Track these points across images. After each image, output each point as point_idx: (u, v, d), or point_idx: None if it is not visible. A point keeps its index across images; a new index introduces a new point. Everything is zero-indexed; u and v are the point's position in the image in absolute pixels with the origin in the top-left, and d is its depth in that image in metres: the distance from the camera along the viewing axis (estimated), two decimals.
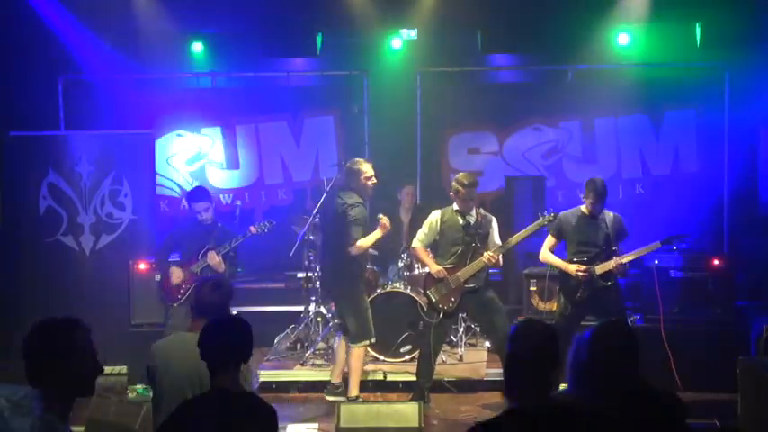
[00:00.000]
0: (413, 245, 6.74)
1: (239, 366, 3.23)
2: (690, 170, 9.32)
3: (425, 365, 6.58)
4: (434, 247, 6.70)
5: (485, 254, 6.39)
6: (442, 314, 6.51)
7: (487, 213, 6.68)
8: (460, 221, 6.51)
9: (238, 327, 3.29)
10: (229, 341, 3.23)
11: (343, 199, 6.49)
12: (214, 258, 6.56)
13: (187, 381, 3.75)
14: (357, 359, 6.60)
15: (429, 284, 6.58)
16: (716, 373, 6.35)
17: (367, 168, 6.53)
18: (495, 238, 6.59)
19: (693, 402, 6.00)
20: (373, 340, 6.67)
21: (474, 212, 6.55)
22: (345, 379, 6.79)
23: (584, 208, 6.54)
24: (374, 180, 6.55)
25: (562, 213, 6.63)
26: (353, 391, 6.61)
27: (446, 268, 6.49)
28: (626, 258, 6.37)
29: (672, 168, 9.36)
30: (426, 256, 6.71)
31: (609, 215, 6.54)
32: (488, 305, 6.49)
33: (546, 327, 2.97)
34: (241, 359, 3.24)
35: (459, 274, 6.44)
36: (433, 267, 6.54)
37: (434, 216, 6.62)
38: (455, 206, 6.55)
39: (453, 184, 6.60)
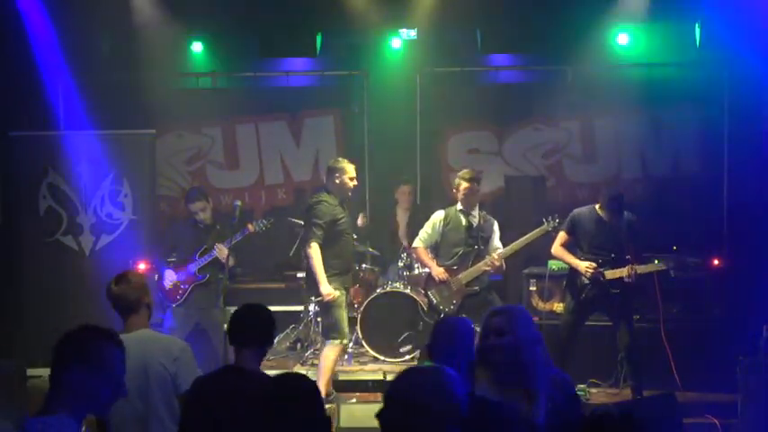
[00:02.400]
0: (414, 245, 6.72)
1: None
2: (690, 170, 9.31)
3: None
4: (435, 247, 6.69)
5: (486, 258, 6.38)
6: (442, 315, 6.50)
7: (489, 216, 6.66)
8: (464, 222, 6.50)
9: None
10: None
11: (312, 198, 6.43)
12: (223, 251, 6.55)
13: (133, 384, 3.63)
14: (326, 358, 6.29)
15: (430, 286, 6.58)
16: (716, 373, 6.35)
17: (349, 168, 6.33)
18: (496, 241, 6.58)
19: (693, 402, 6.05)
20: (346, 341, 6.35)
21: (477, 213, 6.54)
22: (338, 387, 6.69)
23: (598, 209, 6.50)
24: (355, 182, 6.36)
25: (576, 210, 6.60)
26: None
27: (448, 270, 6.48)
28: (641, 270, 6.33)
29: (672, 168, 9.36)
30: (428, 258, 6.69)
31: (624, 216, 6.48)
32: (490, 307, 6.47)
33: None
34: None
35: (460, 276, 6.43)
36: (436, 270, 6.52)
37: (438, 216, 6.60)
38: (459, 206, 6.54)
39: (456, 180, 6.57)
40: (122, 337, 2.84)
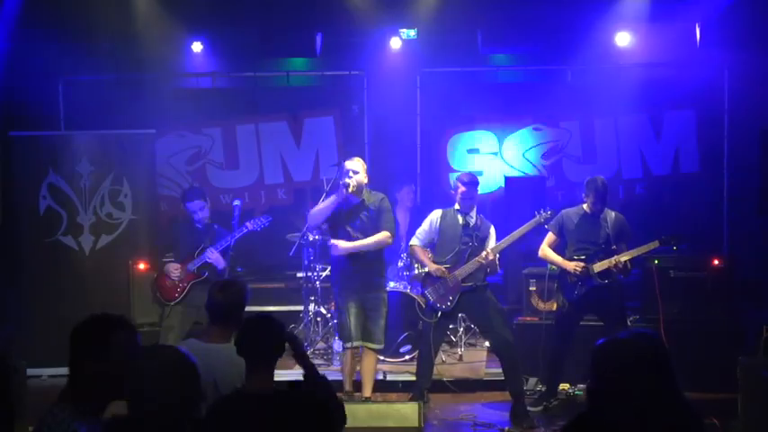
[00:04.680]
0: (410, 243, 6.74)
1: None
2: (690, 170, 9.32)
3: (425, 365, 6.57)
4: (433, 246, 6.69)
5: (481, 253, 6.39)
6: (440, 313, 6.50)
7: (486, 220, 6.69)
8: (460, 221, 6.52)
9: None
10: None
11: None
12: (213, 254, 6.57)
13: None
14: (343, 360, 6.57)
15: (427, 284, 6.58)
16: (716, 373, 6.34)
17: (350, 165, 6.25)
18: (492, 243, 6.59)
19: (693, 402, 6.04)
20: (348, 345, 6.30)
21: (474, 214, 6.56)
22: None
23: (585, 206, 6.56)
24: (347, 181, 6.19)
25: (564, 210, 6.65)
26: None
27: (444, 267, 6.48)
28: (624, 257, 6.36)
29: (672, 168, 9.36)
30: (424, 255, 6.69)
31: (610, 214, 6.55)
32: (486, 305, 6.48)
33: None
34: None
35: (456, 273, 6.43)
36: (432, 266, 6.53)
37: (435, 214, 6.62)
38: (456, 206, 6.56)
39: (454, 182, 6.61)
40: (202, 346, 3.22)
